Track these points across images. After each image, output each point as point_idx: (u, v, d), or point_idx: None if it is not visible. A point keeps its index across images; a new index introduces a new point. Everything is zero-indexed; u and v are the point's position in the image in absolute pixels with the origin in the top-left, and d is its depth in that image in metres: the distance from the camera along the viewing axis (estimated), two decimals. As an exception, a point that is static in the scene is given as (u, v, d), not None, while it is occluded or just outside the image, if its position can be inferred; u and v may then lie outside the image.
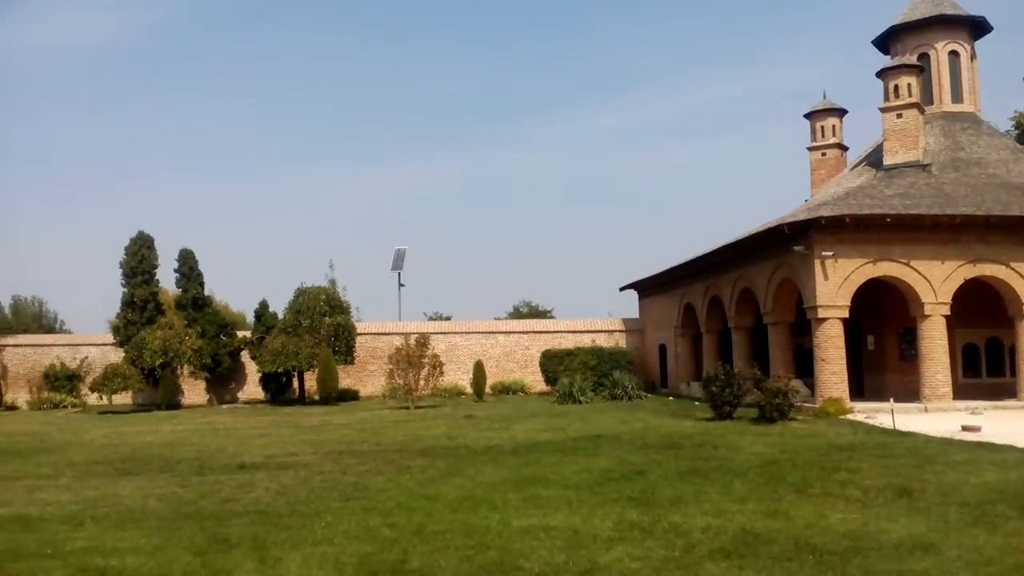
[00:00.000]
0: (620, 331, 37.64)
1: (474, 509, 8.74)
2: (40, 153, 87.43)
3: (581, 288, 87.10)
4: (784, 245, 21.41)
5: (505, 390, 34.60)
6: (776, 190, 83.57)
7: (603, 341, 36.36)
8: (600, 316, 39.32)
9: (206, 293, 34.85)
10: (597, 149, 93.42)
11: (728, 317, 26.93)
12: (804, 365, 23.38)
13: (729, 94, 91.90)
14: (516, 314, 58.58)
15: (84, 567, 6.65)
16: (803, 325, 22.36)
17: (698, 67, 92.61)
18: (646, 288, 36.65)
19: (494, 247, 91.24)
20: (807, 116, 30.72)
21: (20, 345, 36.91)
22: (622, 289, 38.58)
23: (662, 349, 34.82)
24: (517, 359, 37.13)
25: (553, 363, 34.21)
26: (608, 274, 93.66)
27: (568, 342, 36.28)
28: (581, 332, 37.24)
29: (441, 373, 29.49)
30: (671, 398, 29.54)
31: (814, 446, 13.60)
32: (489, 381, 33.28)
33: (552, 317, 52.37)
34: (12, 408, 32.62)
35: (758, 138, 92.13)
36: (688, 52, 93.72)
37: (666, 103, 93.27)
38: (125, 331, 32.99)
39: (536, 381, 35.51)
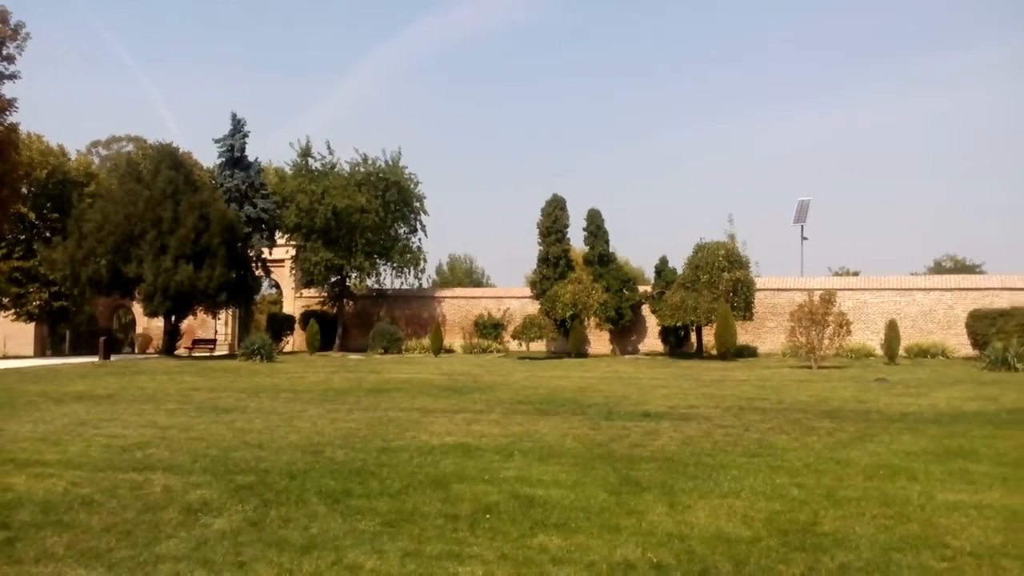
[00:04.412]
0: (1072, 289, 32.07)
1: (891, 478, 8.15)
2: (461, 128, 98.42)
3: (1019, 240, 75.69)
4: None
5: (922, 353, 31.57)
6: None
7: (1049, 301, 31.29)
8: (1044, 271, 33.83)
9: (610, 250, 36.73)
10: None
11: None
12: None
13: None
14: (937, 269, 52.99)
15: (516, 494, 7.45)
16: None
17: None
18: (1110, 238, 30.59)
19: (909, 195, 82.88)
20: None
21: (456, 297, 42.48)
22: (1076, 240, 32.75)
23: None
24: (937, 319, 33.60)
25: (983, 324, 30.28)
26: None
27: (1003, 301, 31.90)
28: (1019, 289, 32.48)
29: (848, 332, 27.71)
30: None
31: None
32: (903, 343, 30.55)
33: (981, 272, 46.32)
34: (449, 351, 37.59)
35: None
36: None
37: None
38: (540, 285, 36.20)
39: (960, 344, 31.87)
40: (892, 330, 29.51)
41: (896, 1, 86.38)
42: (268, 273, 41.34)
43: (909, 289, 34.87)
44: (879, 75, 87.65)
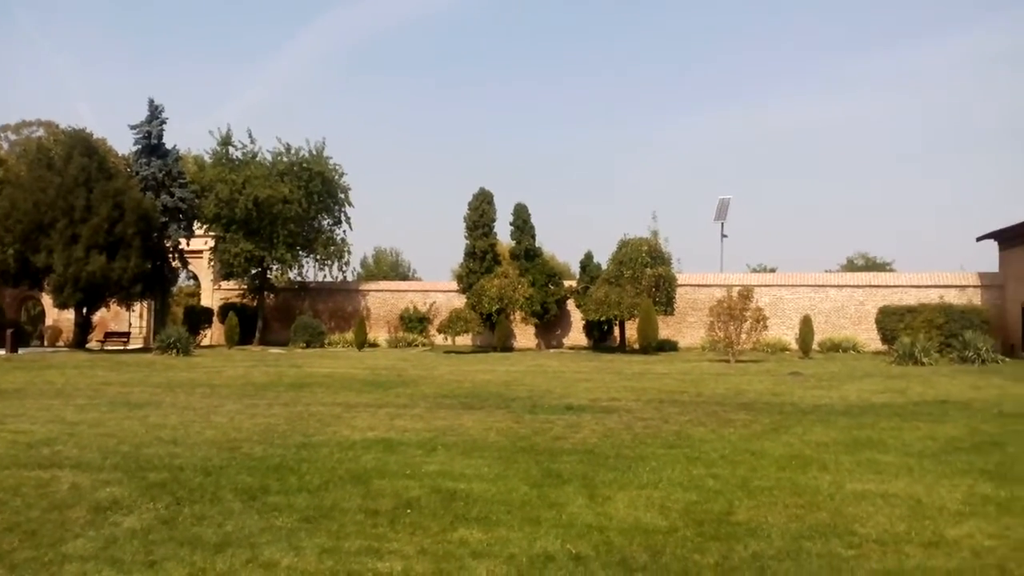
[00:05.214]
0: (974, 286, 33.70)
1: (802, 468, 8.42)
2: (389, 121, 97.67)
3: (927, 239, 79.17)
4: None
5: (834, 348, 32.65)
6: None
7: (953, 297, 32.81)
8: (950, 269, 35.42)
9: (536, 245, 36.88)
10: (947, 81, 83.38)
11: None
12: None
13: None
14: (850, 266, 54.92)
15: (437, 488, 7.44)
16: None
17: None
18: (1010, 238, 32.19)
19: (825, 194, 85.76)
20: None
21: (381, 291, 42.07)
22: (980, 239, 34.36)
23: (1026, 308, 30.55)
24: (849, 315, 34.84)
25: (891, 320, 31.55)
26: (961, 223, 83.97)
27: (910, 298, 33.30)
28: (926, 287, 33.96)
29: (764, 327, 28.56)
30: (1036, 364, 25.91)
31: None
32: (817, 337, 31.55)
33: (891, 270, 48.28)
34: (373, 345, 37.20)
35: None
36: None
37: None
38: (467, 279, 36.12)
39: (870, 339, 33.09)
40: (806, 325, 30.50)
41: (818, 5, 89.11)
42: (185, 264, 40.20)
43: (823, 286, 36.03)
44: (800, 76, 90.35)
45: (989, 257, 35.12)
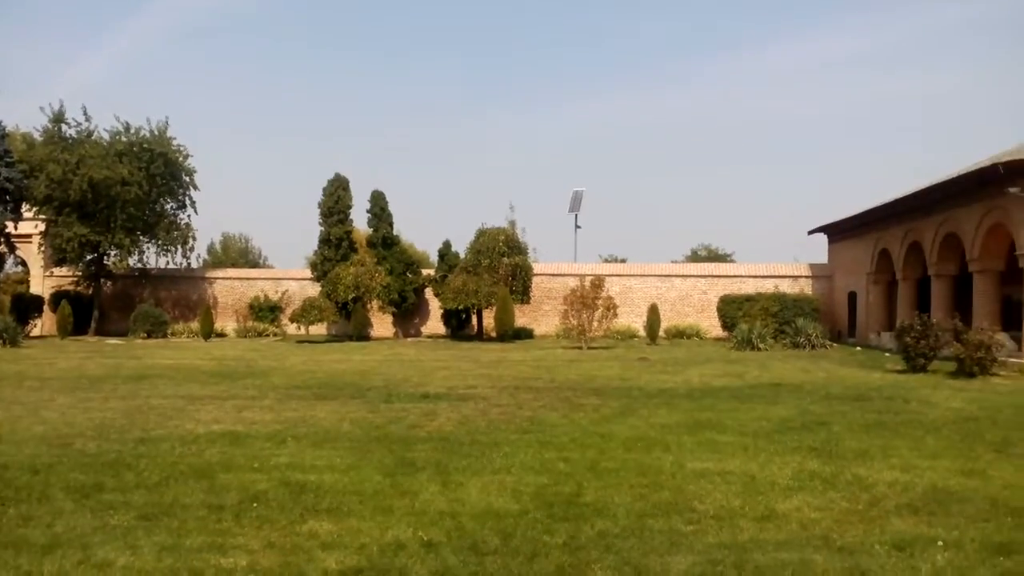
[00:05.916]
0: (806, 277, 36.09)
1: (647, 450, 8.77)
2: (244, 101, 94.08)
3: (764, 232, 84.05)
4: (998, 186, 19.62)
5: (679, 334, 34.14)
6: (998, 130, 76.21)
7: (787, 287, 35.00)
8: (784, 261, 37.77)
9: (394, 233, 36.49)
10: (786, 84, 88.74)
11: (928, 264, 25.15)
12: (1011, 318, 21.51)
13: (940, 23, 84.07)
14: (694, 257, 57.45)
15: (286, 481, 7.25)
16: (1014, 274, 20.57)
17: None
18: (837, 232, 34.72)
19: (672, 189, 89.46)
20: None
21: (229, 278, 40.43)
22: (811, 232, 36.85)
23: (851, 297, 33.04)
24: (693, 303, 36.49)
25: (731, 308, 33.31)
26: (794, 217, 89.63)
27: (748, 287, 35.21)
28: (763, 277, 36.03)
29: (615, 315, 29.51)
30: (859, 348, 28.10)
31: (1018, 404, 12.60)
32: (663, 325, 32.88)
33: (732, 261, 50.93)
34: (221, 335, 35.74)
35: (970, 70, 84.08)
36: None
37: (865, 32, 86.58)
38: (322, 267, 35.28)
39: (712, 326, 34.79)
40: (654, 313, 31.76)
41: (665, 12, 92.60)
42: (13, 249, 37.16)
43: (669, 276, 37.58)
44: (649, 73, 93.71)
45: (819, 249, 37.67)
